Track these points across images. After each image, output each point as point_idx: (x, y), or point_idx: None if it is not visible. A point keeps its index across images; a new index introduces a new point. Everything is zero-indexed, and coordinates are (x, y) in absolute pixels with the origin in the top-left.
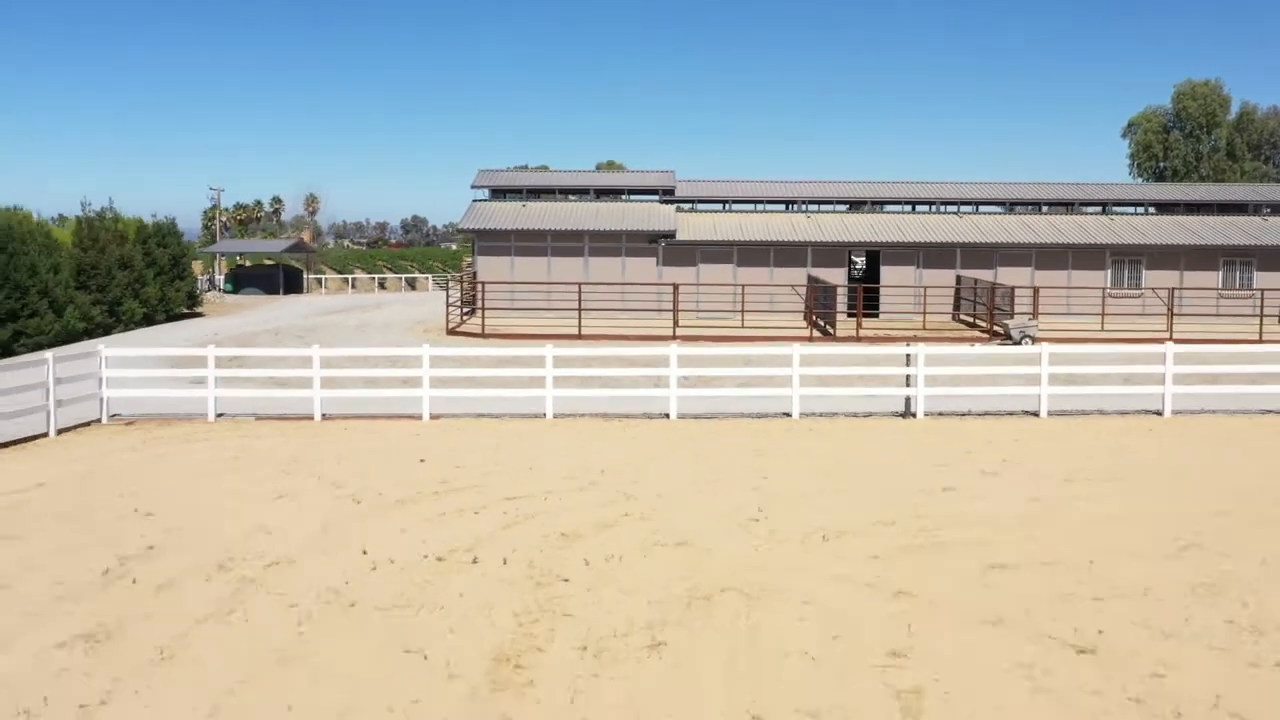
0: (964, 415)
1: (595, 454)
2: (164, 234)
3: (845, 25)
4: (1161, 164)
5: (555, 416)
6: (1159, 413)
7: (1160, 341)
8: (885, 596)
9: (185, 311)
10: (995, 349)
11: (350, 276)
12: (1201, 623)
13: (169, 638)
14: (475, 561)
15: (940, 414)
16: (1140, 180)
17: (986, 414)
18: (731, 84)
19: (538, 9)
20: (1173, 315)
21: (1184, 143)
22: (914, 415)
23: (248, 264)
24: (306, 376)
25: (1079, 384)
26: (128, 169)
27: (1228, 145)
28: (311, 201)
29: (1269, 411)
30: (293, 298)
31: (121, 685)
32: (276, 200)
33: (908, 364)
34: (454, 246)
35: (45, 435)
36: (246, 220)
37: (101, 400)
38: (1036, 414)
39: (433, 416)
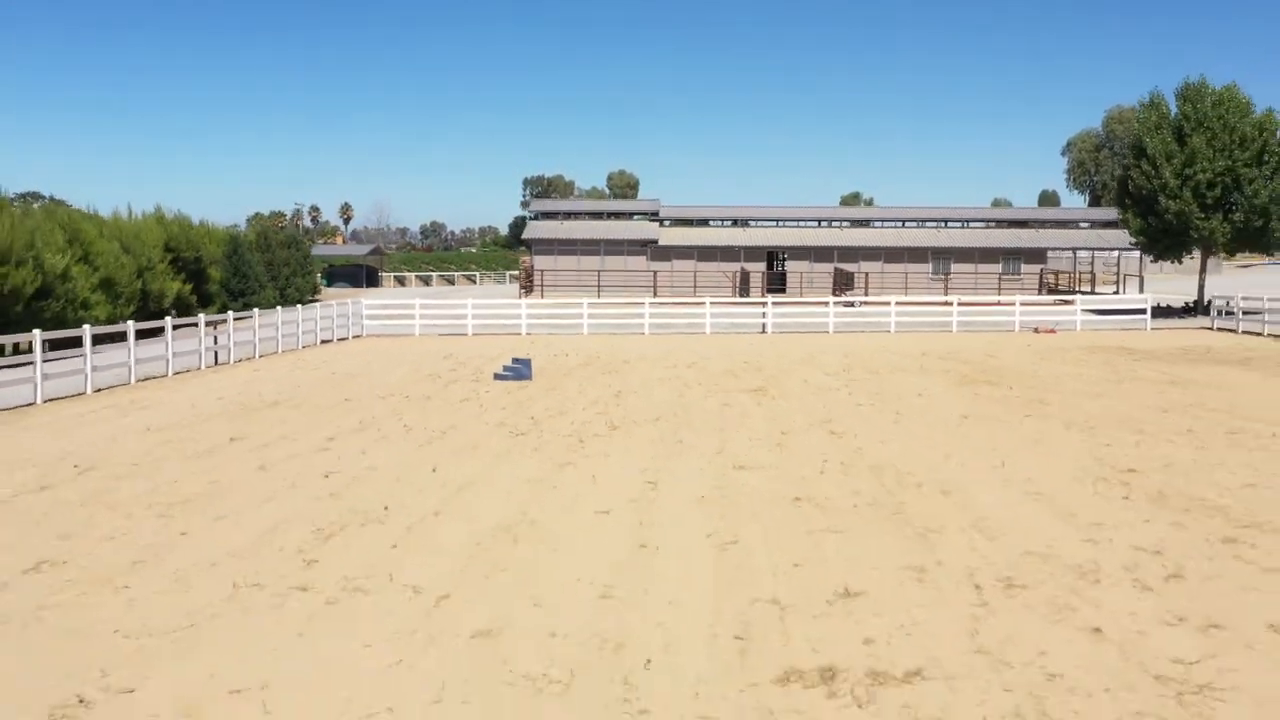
0: (792, 332)
1: (608, 342)
2: (296, 241)
3: (842, 28)
4: (1094, 178)
5: (588, 332)
6: (889, 330)
7: (944, 305)
8: (697, 356)
9: (309, 299)
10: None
11: (402, 275)
12: (823, 371)
13: (484, 362)
14: (567, 356)
15: (782, 332)
16: (1077, 192)
17: (806, 331)
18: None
19: (544, 13)
20: (948, 290)
21: (1113, 160)
22: (766, 331)
23: (337, 264)
24: (463, 313)
25: (859, 316)
26: (146, 170)
27: None
28: (345, 209)
29: (943, 331)
30: (374, 290)
31: (484, 364)
32: (315, 208)
33: (764, 307)
34: (474, 249)
35: (345, 339)
36: (282, 227)
37: (363, 324)
38: (828, 331)
39: (527, 333)
